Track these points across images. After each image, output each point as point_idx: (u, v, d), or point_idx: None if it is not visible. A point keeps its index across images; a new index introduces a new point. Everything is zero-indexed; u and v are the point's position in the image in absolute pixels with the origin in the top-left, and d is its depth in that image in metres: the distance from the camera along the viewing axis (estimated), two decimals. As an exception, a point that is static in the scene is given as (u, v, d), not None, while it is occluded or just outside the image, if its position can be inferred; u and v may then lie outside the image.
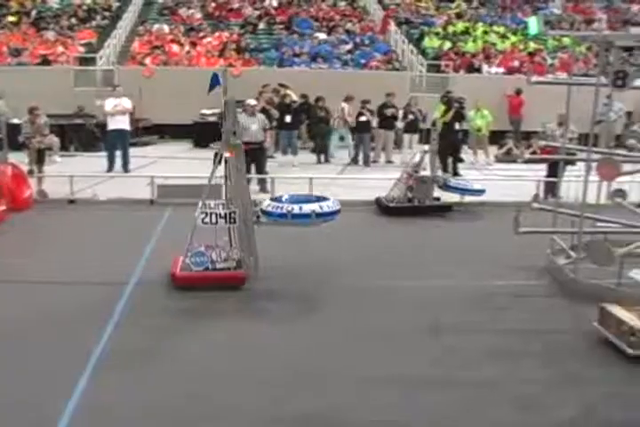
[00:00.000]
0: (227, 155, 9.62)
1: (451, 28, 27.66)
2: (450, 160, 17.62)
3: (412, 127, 19.32)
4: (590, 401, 6.73)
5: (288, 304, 9.14)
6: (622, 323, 7.83)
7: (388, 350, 7.80)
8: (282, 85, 20.19)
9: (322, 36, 25.95)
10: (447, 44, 26.01)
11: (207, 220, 9.49)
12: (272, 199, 10.33)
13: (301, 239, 11.15)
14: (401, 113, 19.28)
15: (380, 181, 14.52)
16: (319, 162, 18.90)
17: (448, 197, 14.39)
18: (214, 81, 9.77)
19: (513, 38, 26.96)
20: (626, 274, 9.82)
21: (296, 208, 9.72)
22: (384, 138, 19.07)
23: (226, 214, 9.49)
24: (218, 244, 9.62)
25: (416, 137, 19.38)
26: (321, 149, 19.16)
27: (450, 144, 17.32)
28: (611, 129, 17.54)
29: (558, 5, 31.36)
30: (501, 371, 7.35)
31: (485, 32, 27.59)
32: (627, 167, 9.98)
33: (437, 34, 27.01)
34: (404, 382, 7.02)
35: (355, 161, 18.94)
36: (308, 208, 9.69)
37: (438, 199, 14.17)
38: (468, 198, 14.52)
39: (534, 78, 11.06)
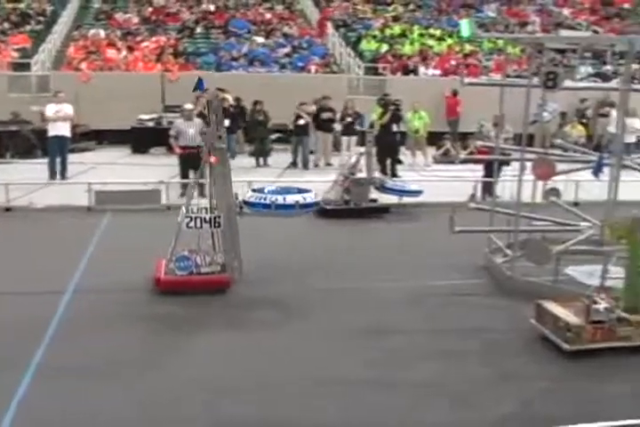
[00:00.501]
0: (212, 160, 9.62)
1: (388, 31, 27.84)
2: (388, 162, 17.74)
3: (349, 130, 19.37)
4: (527, 398, 6.84)
5: (231, 310, 9.12)
6: (558, 319, 7.96)
7: (329, 352, 7.82)
8: (220, 89, 20.09)
9: (259, 39, 25.93)
10: (384, 47, 26.18)
11: (192, 224, 9.49)
12: (254, 190, 10.34)
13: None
14: (338, 116, 19.34)
15: (319, 184, 14.53)
16: (258, 165, 18.87)
17: (386, 199, 14.47)
18: (200, 86, 9.74)
19: (449, 41, 27.23)
20: (562, 271, 10.00)
21: (280, 199, 9.77)
22: (323, 141, 19.08)
23: (210, 219, 9.51)
24: (201, 248, 9.62)
25: (354, 139, 19.42)
26: (260, 153, 19.12)
27: (388, 146, 17.44)
28: (545, 129, 17.88)
29: (493, 8, 31.80)
30: (440, 370, 7.42)
31: (422, 35, 27.83)
32: (562, 167, 10.21)
33: (375, 37, 27.16)
34: (344, 383, 7.05)
35: (294, 164, 18.94)
36: (291, 199, 9.74)
37: (375, 201, 14.23)
38: (405, 200, 14.60)
39: (467, 80, 11.21)
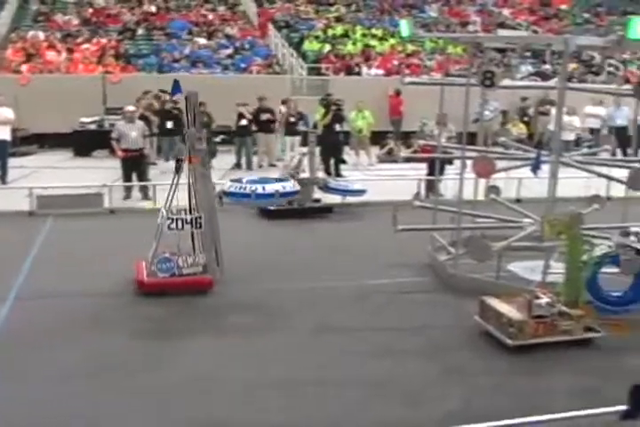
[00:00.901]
0: (194, 161, 9.61)
1: (330, 32, 27.93)
2: (332, 161, 17.78)
3: (292, 130, 19.35)
4: (472, 393, 6.92)
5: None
6: (501, 315, 8.06)
7: (275, 353, 7.82)
8: (163, 91, 19.94)
9: (201, 40, 25.79)
10: (327, 47, 26.25)
11: (173, 226, 9.50)
12: (232, 180, 10.27)
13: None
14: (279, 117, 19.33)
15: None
16: (203, 167, 18.73)
17: (330, 199, 14.49)
18: (175, 89, 9.69)
19: (391, 41, 27.39)
20: (505, 267, 10.13)
21: (259, 188, 9.75)
22: (265, 141, 19.02)
23: (192, 220, 9.51)
24: (181, 249, 9.60)
25: (298, 140, 19.39)
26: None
27: (331, 146, 17.49)
28: (488, 127, 18.09)
29: (435, 8, 32.10)
30: (387, 368, 7.47)
31: (364, 35, 27.98)
32: (504, 164, 10.33)
33: (317, 37, 27.22)
34: (291, 384, 7.06)
35: (238, 166, 18.87)
36: (271, 188, 9.73)
37: (319, 201, 14.24)
38: (349, 199, 14.63)
39: (408, 79, 11.30)
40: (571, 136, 20.26)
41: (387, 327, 8.61)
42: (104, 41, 25.19)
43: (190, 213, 9.61)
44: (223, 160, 19.17)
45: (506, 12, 32.81)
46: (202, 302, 9.32)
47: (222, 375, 7.19)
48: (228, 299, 9.46)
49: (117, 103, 18.80)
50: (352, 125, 20.09)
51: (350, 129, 20.12)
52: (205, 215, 9.66)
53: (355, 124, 20.02)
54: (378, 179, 15.68)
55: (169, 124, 18.21)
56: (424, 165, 15.31)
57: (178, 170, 9.80)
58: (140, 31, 26.71)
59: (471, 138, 10.80)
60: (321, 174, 13.98)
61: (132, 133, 14.65)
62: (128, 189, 14.99)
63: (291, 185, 10.22)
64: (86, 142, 20.85)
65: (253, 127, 18.89)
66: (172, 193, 9.76)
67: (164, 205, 9.83)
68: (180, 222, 9.50)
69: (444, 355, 7.86)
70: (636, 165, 10.02)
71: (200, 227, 9.62)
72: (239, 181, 10.25)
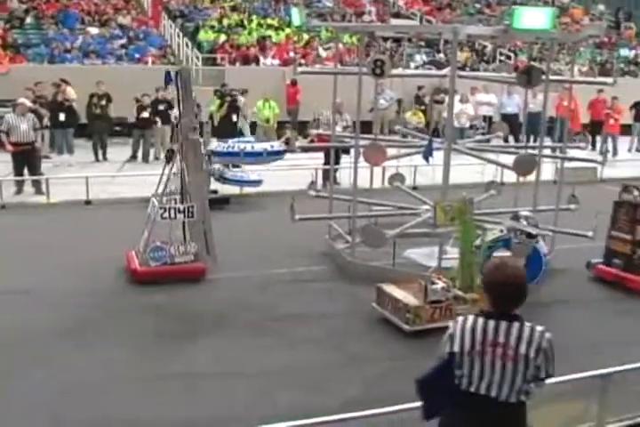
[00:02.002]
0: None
1: (226, 21, 27.66)
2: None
3: (190, 121, 19.10)
4: (372, 379, 7.03)
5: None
6: (397, 301, 8.18)
7: (174, 347, 7.76)
8: (63, 81, 19.38)
9: (94, 30, 25.19)
10: (222, 37, 26.01)
11: (166, 215, 9.61)
12: (219, 141, 10.20)
13: (68, 233, 11.19)
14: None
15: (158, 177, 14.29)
16: (97, 160, 18.35)
17: (227, 190, 14.34)
18: (168, 79, 9.92)
19: (287, 30, 27.33)
20: (402, 254, 10.28)
21: (248, 147, 9.74)
22: (161, 133, 18.73)
23: (184, 209, 9.65)
24: (172, 238, 9.75)
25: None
26: (99, 147, 18.59)
27: (229, 136, 17.36)
28: (384, 116, 18.30)
29: (331, -2, 32.20)
30: (287, 358, 7.51)
31: (260, 24, 27.84)
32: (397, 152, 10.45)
33: (213, 27, 26.93)
34: (193, 377, 7.03)
35: (134, 157, 18.55)
36: (260, 146, 9.76)
37: (216, 192, 14.06)
38: (246, 190, 14.56)
39: (300, 69, 11.30)
40: (466, 123, 20.71)
41: (285, 316, 8.64)
42: (-10, 30, 24.35)
43: (182, 202, 9.78)
44: (117, 153, 18.85)
45: (400, 1, 33.13)
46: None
47: (123, 374, 7.08)
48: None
49: (5, 95, 18.20)
50: (259, 115, 20.06)
51: (257, 119, 20.09)
52: (198, 204, 9.77)
53: (261, 114, 20.01)
54: (276, 169, 15.65)
55: (61, 117, 17.73)
56: (321, 155, 15.37)
57: (169, 159, 9.96)
58: (29, 20, 25.84)
59: (368, 127, 10.90)
60: (217, 165, 13.81)
61: (22, 126, 14.27)
62: (20, 184, 14.57)
63: (277, 144, 10.33)
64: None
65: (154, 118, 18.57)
66: (164, 183, 9.92)
67: (154, 195, 10.03)
68: (172, 211, 9.62)
69: (343, 342, 7.92)
70: (522, 151, 10.32)
71: (192, 216, 9.75)
72: (225, 141, 10.31)
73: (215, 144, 10.03)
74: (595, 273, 10.18)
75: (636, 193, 9.88)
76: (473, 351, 4.05)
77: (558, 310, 9.09)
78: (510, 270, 4.05)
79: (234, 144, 9.90)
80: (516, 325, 4.02)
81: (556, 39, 11.36)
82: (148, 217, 9.93)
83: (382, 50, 24.42)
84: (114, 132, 19.77)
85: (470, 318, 4.14)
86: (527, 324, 4.05)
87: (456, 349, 4.11)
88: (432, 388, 4.15)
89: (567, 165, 11.52)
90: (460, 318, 4.19)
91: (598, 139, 21.56)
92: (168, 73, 10.02)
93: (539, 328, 4.05)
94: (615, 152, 21.01)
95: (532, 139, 17.21)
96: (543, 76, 9.59)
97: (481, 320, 4.08)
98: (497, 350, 3.99)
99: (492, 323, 4.04)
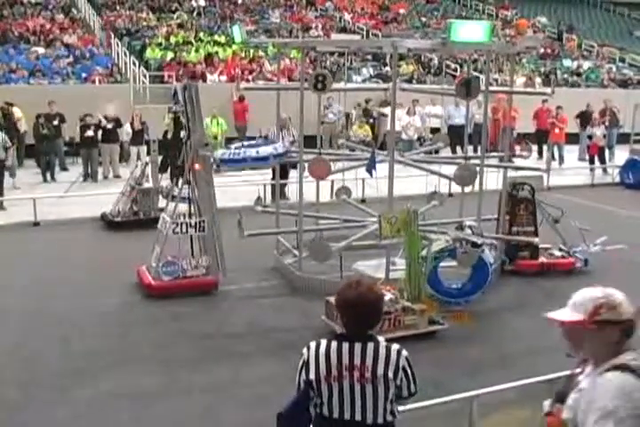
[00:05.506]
0: (197, 167, 9.82)
1: (173, 39, 27.63)
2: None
3: (138, 140, 19.01)
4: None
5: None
6: (345, 314, 8.18)
7: (117, 366, 7.71)
8: (8, 104, 19.17)
9: (40, 49, 24.99)
10: (169, 55, 25.97)
11: (178, 230, 9.79)
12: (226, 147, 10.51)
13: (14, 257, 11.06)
14: (128, 126, 18.96)
15: (108, 197, 14.20)
16: (45, 181, 18.14)
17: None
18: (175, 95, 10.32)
19: (234, 47, 27.34)
20: (351, 266, 10.33)
21: (253, 152, 9.75)
22: (109, 152, 18.57)
23: (196, 224, 9.84)
24: (181, 252, 9.90)
25: (144, 149, 19.03)
26: (47, 168, 18.38)
27: (179, 153, 17.30)
28: (332, 130, 18.40)
29: (277, 14, 32.34)
30: (234, 373, 7.53)
31: (207, 41, 27.85)
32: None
33: (160, 44, 26.89)
34: (132, 395, 7.00)
35: (85, 176, 18.36)
36: (265, 151, 9.77)
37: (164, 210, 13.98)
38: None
39: (243, 84, 11.34)
40: (414, 136, 20.91)
41: (234, 333, 8.66)
42: None
43: (191, 217, 10.01)
44: (67, 173, 18.69)
45: (347, 16, 33.40)
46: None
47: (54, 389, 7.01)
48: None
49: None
50: (207, 132, 20.01)
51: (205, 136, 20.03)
52: (209, 218, 9.91)
53: (209, 131, 19.99)
54: (224, 185, 15.62)
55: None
56: (269, 170, 15.37)
57: (179, 176, 10.14)
58: (-28, 40, 25.58)
59: (314, 141, 10.95)
60: (164, 183, 13.74)
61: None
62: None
63: (280, 146, 10.33)
64: None
65: (99, 137, 18.40)
66: (176, 199, 10.25)
67: (165, 211, 10.48)
68: (184, 226, 9.80)
69: (293, 356, 7.88)
70: (462, 161, 10.46)
71: (203, 230, 9.91)
72: (229, 148, 10.31)
73: (221, 152, 10.14)
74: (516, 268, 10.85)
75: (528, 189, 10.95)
76: (330, 377, 3.87)
77: (507, 318, 9.23)
78: (363, 289, 3.86)
79: (238, 151, 9.92)
80: (370, 345, 3.87)
81: (493, 51, 11.54)
82: (159, 232, 10.11)
83: (327, 64, 24.65)
84: (64, 152, 19.54)
85: (323, 342, 3.97)
86: (383, 343, 3.90)
87: (312, 376, 3.91)
88: (293, 420, 3.93)
89: (513, 173, 11.68)
90: (313, 344, 4.00)
91: (545, 148, 21.88)
92: (175, 90, 10.12)
93: (394, 347, 3.92)
94: (562, 160, 21.31)
95: (479, 149, 17.40)
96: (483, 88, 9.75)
97: (334, 344, 3.91)
98: (354, 373, 3.84)
99: (346, 345, 3.88)
